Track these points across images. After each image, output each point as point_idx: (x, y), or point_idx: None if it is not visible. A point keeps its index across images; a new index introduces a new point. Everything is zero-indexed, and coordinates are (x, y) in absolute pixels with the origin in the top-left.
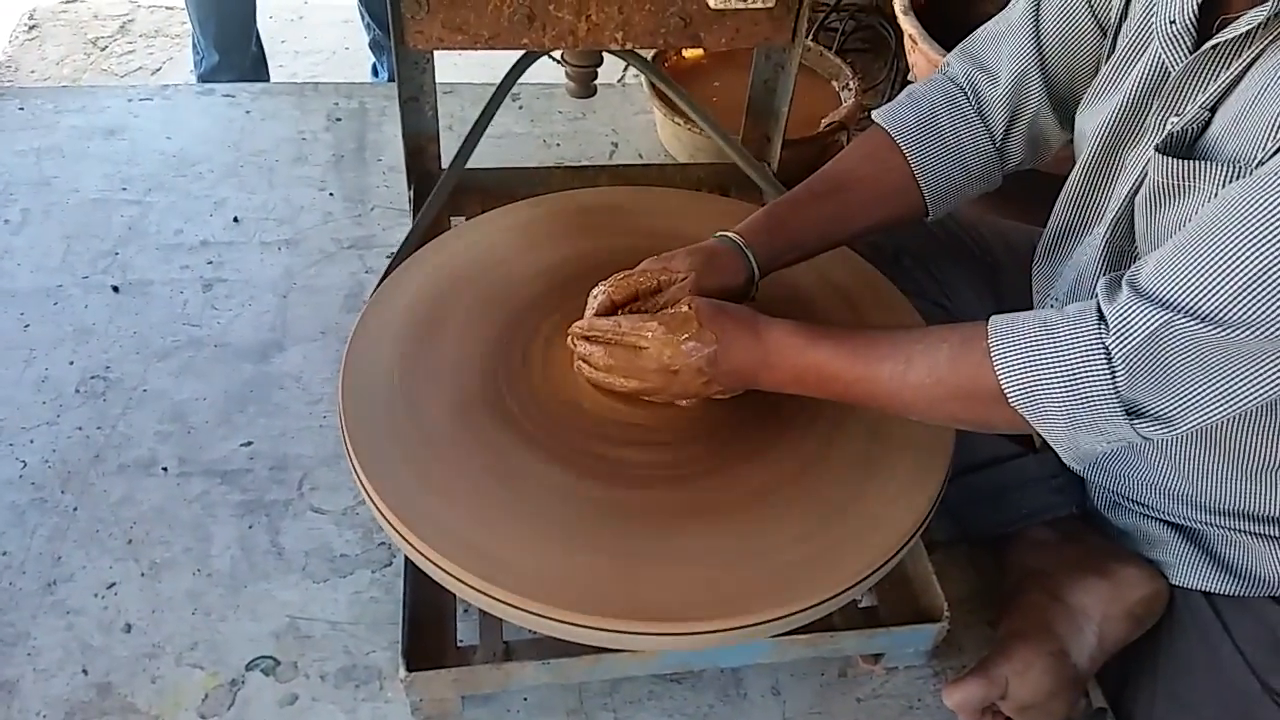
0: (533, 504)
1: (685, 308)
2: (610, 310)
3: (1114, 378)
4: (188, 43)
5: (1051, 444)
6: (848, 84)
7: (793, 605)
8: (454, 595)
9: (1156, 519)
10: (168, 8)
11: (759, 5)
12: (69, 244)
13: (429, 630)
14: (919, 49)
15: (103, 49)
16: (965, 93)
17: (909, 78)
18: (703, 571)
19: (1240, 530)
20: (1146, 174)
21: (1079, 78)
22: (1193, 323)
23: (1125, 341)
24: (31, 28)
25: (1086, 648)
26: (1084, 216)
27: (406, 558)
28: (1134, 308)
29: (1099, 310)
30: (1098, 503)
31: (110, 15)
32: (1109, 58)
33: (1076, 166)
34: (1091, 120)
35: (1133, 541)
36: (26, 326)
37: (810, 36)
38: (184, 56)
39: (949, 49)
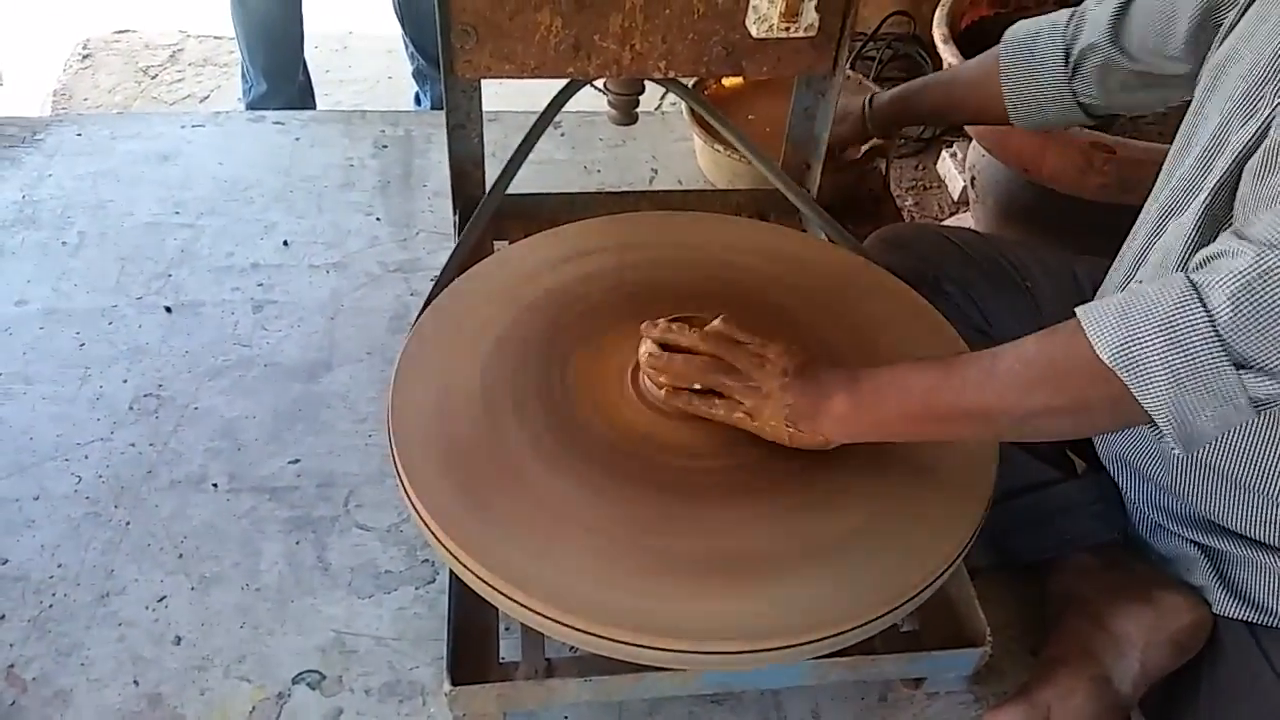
0: (577, 520)
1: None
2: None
3: (1213, 319)
4: (236, 71)
5: (1159, 422)
6: None
7: (834, 627)
8: (497, 611)
9: (1198, 544)
10: (216, 37)
11: (801, 34)
12: (124, 266)
13: (473, 646)
14: None
15: (153, 77)
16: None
17: None
18: (745, 592)
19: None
20: (1265, 135)
21: (1153, 51)
22: None
23: (1232, 281)
24: (85, 57)
25: (1129, 674)
26: (1181, 202)
27: (451, 573)
28: (1244, 249)
29: (1186, 275)
30: (1140, 529)
31: (161, 44)
32: (1225, 39)
33: (1194, 154)
34: (1214, 102)
35: (1175, 568)
36: (82, 345)
37: (848, 64)
38: (232, 85)
39: None
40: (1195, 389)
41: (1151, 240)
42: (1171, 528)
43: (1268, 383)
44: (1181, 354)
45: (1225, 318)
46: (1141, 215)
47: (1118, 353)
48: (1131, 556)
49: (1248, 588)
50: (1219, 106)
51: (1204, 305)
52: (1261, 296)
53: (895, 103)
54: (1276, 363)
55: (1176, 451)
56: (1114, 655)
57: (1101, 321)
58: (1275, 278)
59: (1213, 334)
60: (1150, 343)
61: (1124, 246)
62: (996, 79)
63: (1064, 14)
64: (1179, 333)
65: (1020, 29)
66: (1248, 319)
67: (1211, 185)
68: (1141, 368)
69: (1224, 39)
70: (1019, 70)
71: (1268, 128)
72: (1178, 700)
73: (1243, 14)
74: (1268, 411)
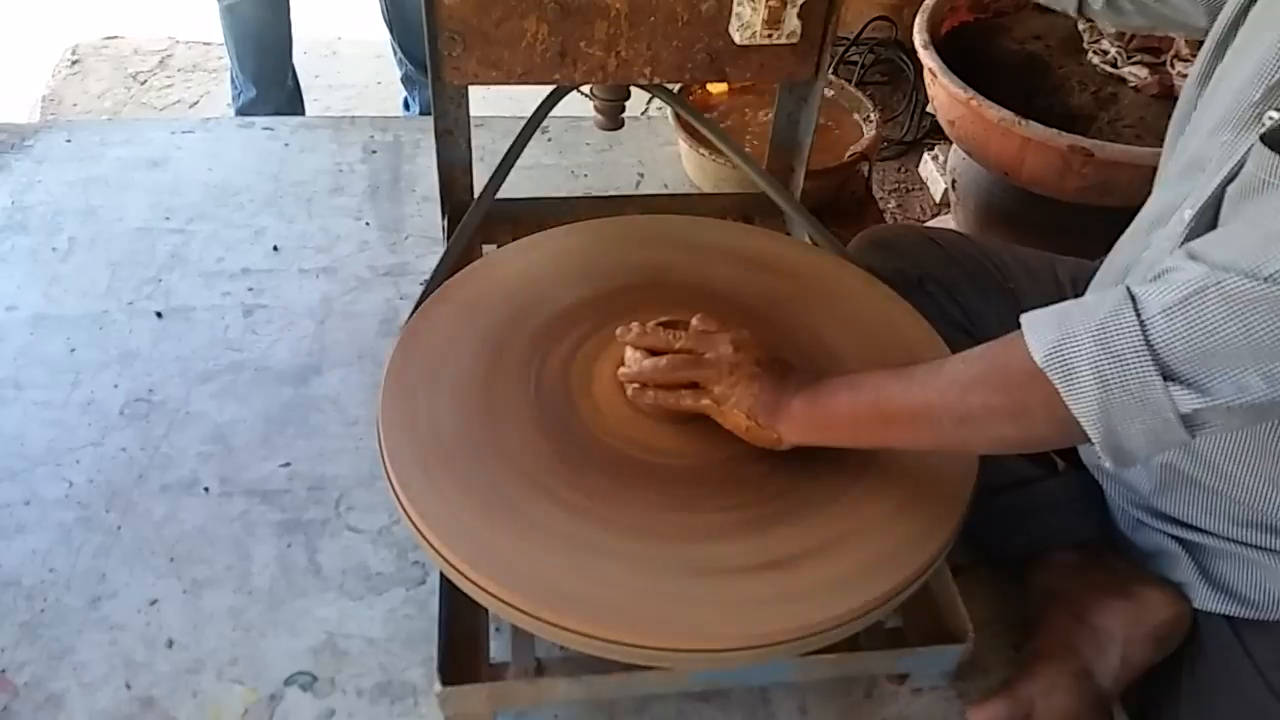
0: (565, 521)
1: None
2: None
3: (1144, 326)
4: (224, 77)
5: (1085, 426)
6: (869, 116)
7: (819, 625)
8: (487, 612)
9: (1179, 540)
10: (205, 43)
11: (783, 41)
12: (114, 271)
13: (463, 646)
14: (938, 82)
15: (142, 83)
16: None
17: (928, 109)
18: (731, 590)
19: (1259, 547)
20: (1244, 164)
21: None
22: (1248, 281)
23: (1171, 292)
24: (74, 62)
25: (1111, 669)
26: (1166, 216)
27: (441, 575)
28: (1186, 263)
29: (1128, 286)
30: (1122, 525)
31: (150, 50)
32: (1230, 42)
33: (1185, 159)
34: (1206, 120)
35: (1156, 564)
36: (73, 351)
37: (830, 69)
38: (221, 90)
39: (968, 82)
40: (1122, 396)
41: (1139, 251)
42: (1153, 524)
43: (1195, 398)
44: (1110, 358)
45: (1157, 326)
46: (1133, 224)
47: (1049, 353)
48: (1113, 553)
49: (1229, 580)
50: (1208, 125)
51: (1138, 313)
52: (1197, 311)
53: None
54: (1204, 379)
55: (1107, 465)
56: (1095, 650)
57: (1039, 324)
58: (1214, 296)
59: (1142, 341)
60: (1081, 346)
61: (1110, 254)
62: None
63: None
64: (1109, 337)
65: None
66: (1179, 331)
67: (1196, 205)
68: (1070, 369)
69: (1222, 45)
70: None
71: (1246, 158)
72: (1159, 694)
73: (1235, 18)
74: (1207, 434)
